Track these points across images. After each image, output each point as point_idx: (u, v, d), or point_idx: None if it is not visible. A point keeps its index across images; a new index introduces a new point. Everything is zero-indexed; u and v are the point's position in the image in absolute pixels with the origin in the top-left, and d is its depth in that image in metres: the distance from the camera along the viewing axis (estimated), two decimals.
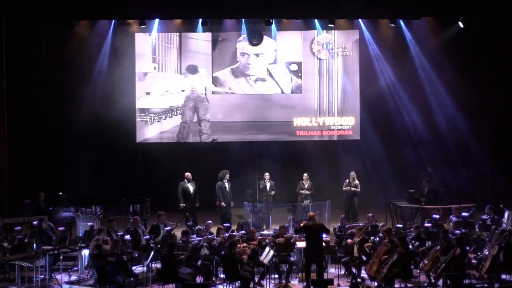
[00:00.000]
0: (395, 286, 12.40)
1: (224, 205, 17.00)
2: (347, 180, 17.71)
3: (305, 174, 17.71)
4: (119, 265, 12.48)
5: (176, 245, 12.84)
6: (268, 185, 17.53)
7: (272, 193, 17.50)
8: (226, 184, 17.12)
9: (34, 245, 13.79)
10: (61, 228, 14.76)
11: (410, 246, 12.95)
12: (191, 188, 16.98)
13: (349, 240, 13.64)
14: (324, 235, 13.19)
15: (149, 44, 19.85)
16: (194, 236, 13.91)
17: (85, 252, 13.75)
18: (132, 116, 19.81)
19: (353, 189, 17.55)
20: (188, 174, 17.10)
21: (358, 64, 19.94)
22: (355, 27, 19.91)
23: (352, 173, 17.76)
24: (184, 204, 16.86)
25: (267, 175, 17.64)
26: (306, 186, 17.55)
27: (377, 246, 13.22)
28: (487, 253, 13.33)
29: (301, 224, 13.29)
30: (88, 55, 19.49)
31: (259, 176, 17.77)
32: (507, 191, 18.24)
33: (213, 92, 20.08)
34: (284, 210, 17.07)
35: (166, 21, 19.45)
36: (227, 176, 17.18)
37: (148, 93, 19.94)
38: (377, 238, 13.76)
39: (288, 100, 20.09)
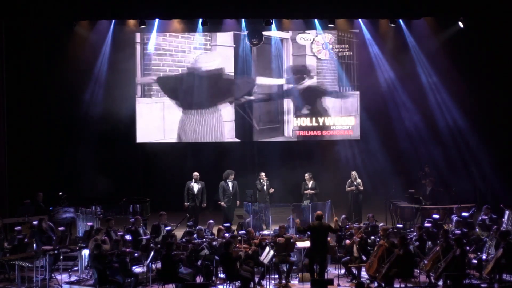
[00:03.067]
0: (395, 286, 12.41)
1: (225, 205, 17.04)
2: (349, 180, 17.71)
3: (306, 174, 17.71)
4: (119, 265, 12.49)
5: (175, 244, 12.85)
6: (265, 184, 17.53)
7: (271, 190, 17.49)
8: (230, 184, 17.14)
9: (34, 245, 13.79)
10: (61, 228, 14.77)
11: (411, 247, 12.96)
12: (195, 187, 17.00)
13: (347, 241, 13.67)
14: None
15: (149, 44, 19.82)
16: (195, 236, 13.92)
17: (85, 252, 13.75)
18: (132, 116, 19.80)
19: (359, 187, 17.55)
20: (195, 173, 17.15)
21: (358, 64, 19.94)
22: (355, 27, 19.89)
23: (353, 173, 17.76)
24: (188, 203, 16.91)
25: (263, 174, 17.64)
26: (309, 186, 17.56)
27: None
28: (485, 253, 13.36)
29: (307, 225, 13.31)
30: (88, 55, 19.47)
31: (257, 176, 17.75)
32: (507, 191, 18.24)
33: None
34: (284, 210, 17.06)
35: (166, 21, 19.43)
36: (231, 176, 17.20)
37: (148, 93, 19.91)
38: (378, 238, 13.76)
39: (289, 100, 20.06)
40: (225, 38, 19.82)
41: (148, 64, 19.72)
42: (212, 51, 19.84)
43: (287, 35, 19.97)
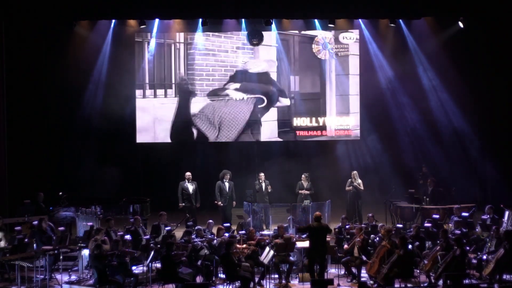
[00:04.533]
0: (395, 286, 12.40)
1: (221, 204, 17.03)
2: (350, 180, 17.70)
3: (303, 175, 17.70)
4: (119, 265, 12.50)
5: (175, 244, 12.85)
6: (263, 185, 17.52)
7: (269, 188, 17.46)
8: (226, 184, 17.12)
9: (34, 245, 13.78)
10: (61, 228, 14.77)
11: (410, 246, 12.96)
12: (190, 188, 16.97)
13: (345, 246, 13.65)
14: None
15: (149, 44, 19.82)
16: (194, 236, 13.91)
17: (85, 252, 13.75)
18: (132, 116, 19.81)
19: (358, 187, 17.52)
20: (187, 174, 17.11)
21: (358, 64, 19.93)
22: (355, 27, 19.89)
23: (354, 173, 17.75)
24: (183, 204, 16.88)
25: (262, 175, 17.61)
26: (305, 186, 17.54)
27: (377, 246, 13.21)
28: (486, 254, 13.35)
29: (307, 225, 13.32)
30: (88, 55, 19.48)
31: (257, 177, 17.74)
32: (507, 191, 18.24)
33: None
34: (284, 210, 17.05)
35: (166, 21, 19.44)
36: (227, 176, 17.17)
37: (148, 93, 19.90)
38: (377, 238, 13.76)
39: (288, 100, 20.08)
40: (268, 37, 19.72)
41: (192, 64, 19.75)
42: (255, 54, 19.84)
43: (329, 34, 19.87)
